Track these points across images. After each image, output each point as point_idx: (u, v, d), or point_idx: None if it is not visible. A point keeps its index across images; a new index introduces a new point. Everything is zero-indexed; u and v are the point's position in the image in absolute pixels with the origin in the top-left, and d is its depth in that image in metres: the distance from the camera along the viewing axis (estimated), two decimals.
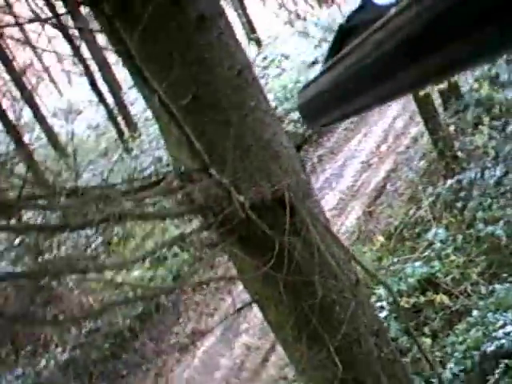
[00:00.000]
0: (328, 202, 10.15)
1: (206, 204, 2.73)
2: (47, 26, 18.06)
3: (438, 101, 10.22)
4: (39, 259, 3.51)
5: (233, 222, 2.67)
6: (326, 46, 16.93)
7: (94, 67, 17.07)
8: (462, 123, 10.18)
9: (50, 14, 15.35)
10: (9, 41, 19.00)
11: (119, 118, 16.93)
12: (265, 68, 18.23)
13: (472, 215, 7.91)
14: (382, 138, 12.20)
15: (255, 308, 8.12)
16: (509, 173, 8.44)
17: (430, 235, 7.85)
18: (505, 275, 6.64)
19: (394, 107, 12.52)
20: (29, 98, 17.18)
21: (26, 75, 19.93)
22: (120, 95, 17.46)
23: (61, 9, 13.08)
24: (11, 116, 15.08)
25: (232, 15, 19.78)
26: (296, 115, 12.45)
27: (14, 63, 17.84)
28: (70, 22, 15.47)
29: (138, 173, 13.22)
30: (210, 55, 2.61)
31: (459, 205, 8.25)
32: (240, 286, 9.25)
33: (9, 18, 17.60)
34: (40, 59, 25.63)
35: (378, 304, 6.52)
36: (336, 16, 17.65)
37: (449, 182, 8.75)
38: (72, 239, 11.45)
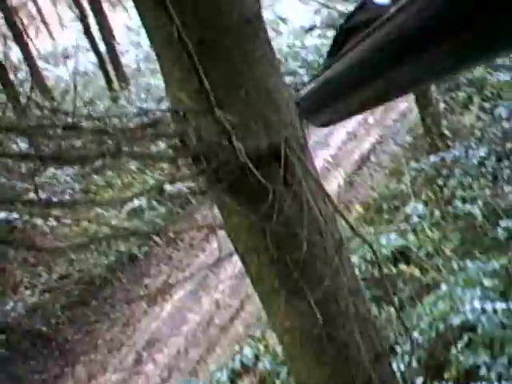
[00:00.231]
0: None
1: (200, 149, 2.70)
2: None
3: None
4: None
5: (225, 170, 2.64)
6: (325, 13, 16.74)
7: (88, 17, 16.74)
8: (452, 101, 10.15)
9: None
10: None
11: (109, 68, 16.68)
12: None
13: (451, 193, 7.93)
14: (370, 111, 12.13)
15: (227, 265, 8.14)
16: (491, 155, 8.45)
17: (408, 209, 7.86)
18: (477, 253, 6.68)
19: None
20: (19, 38, 16.83)
21: (18, 15, 19.52)
22: (112, 44, 17.17)
23: None
24: None
25: None
26: (288, 79, 12.33)
27: (7, 1, 17.42)
28: None
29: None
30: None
31: (440, 182, 8.26)
32: (215, 244, 9.26)
33: None
34: (34, 0, 25.12)
35: None
36: None
37: (432, 158, 8.73)
38: (50, 184, 11.37)
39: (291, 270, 2.96)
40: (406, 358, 5.49)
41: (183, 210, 10.38)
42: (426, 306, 5.91)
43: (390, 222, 7.99)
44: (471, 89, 10.29)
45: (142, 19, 2.89)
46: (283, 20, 18.26)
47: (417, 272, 6.71)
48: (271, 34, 17.39)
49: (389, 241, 7.11)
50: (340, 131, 11.70)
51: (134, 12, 25.60)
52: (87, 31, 16.31)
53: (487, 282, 5.91)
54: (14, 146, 10.76)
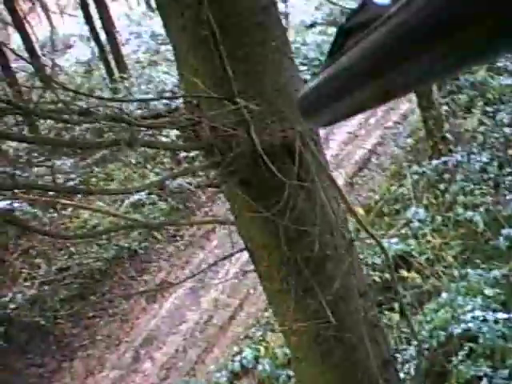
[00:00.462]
0: None
1: (215, 142, 2.66)
2: None
3: None
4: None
5: (239, 163, 2.61)
6: (326, 9, 16.70)
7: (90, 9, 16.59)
8: (454, 105, 10.15)
9: None
10: None
11: (110, 58, 16.56)
12: None
13: (453, 198, 7.95)
14: (371, 112, 12.12)
15: (227, 263, 8.14)
16: (494, 160, 8.47)
17: (409, 213, 7.88)
18: (478, 261, 6.71)
19: None
20: (19, 25, 16.68)
21: (18, 2, 19.34)
22: (113, 34, 17.04)
23: None
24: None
25: None
26: None
27: None
28: None
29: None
30: None
31: (442, 187, 8.27)
32: (215, 241, 9.27)
33: None
34: None
35: None
36: None
37: (434, 162, 8.74)
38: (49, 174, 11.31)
39: (302, 269, 2.93)
40: (407, 366, 5.53)
41: (184, 206, 10.37)
42: (427, 314, 5.94)
43: (391, 226, 8.01)
44: (473, 92, 10.28)
45: (158, 8, 2.86)
46: (285, 16, 18.17)
47: (417, 278, 6.74)
48: None
49: (390, 245, 7.13)
50: (341, 131, 11.68)
51: (134, 2, 25.39)
52: (88, 20, 16.18)
53: (488, 291, 5.94)
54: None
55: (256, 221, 2.91)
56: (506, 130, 8.97)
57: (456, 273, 6.55)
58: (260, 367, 6.53)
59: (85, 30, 17.03)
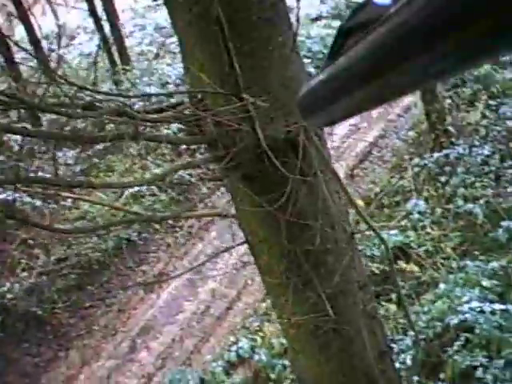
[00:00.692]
0: None
1: (218, 136, 2.64)
2: None
3: None
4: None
5: (242, 157, 2.60)
6: (331, 2, 16.62)
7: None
8: (458, 98, 10.07)
9: None
10: None
11: (113, 49, 16.53)
12: None
13: (453, 191, 7.89)
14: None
15: (226, 255, 8.08)
16: (495, 153, 8.40)
17: (409, 205, 7.83)
18: (476, 253, 6.66)
19: None
20: (24, 16, 16.67)
21: None
22: (117, 25, 17.01)
23: None
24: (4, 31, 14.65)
25: None
26: None
27: None
28: None
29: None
30: None
31: (442, 179, 8.21)
32: (214, 233, 9.22)
33: None
34: None
35: None
36: None
37: (436, 155, 8.68)
38: (50, 166, 11.29)
39: (302, 262, 2.92)
40: (403, 356, 5.48)
41: (184, 198, 10.32)
42: (425, 305, 5.89)
43: (391, 218, 7.96)
44: (477, 85, 10.20)
45: (165, 3, 2.84)
46: (290, 9, 18.09)
47: (416, 269, 6.69)
48: None
49: (389, 237, 7.08)
50: (342, 123, 11.62)
51: None
52: (93, 12, 16.15)
53: (486, 283, 5.89)
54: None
55: (257, 214, 2.91)
56: (509, 123, 8.90)
57: (454, 264, 6.51)
58: (256, 357, 6.51)
59: (89, 22, 16.98)
